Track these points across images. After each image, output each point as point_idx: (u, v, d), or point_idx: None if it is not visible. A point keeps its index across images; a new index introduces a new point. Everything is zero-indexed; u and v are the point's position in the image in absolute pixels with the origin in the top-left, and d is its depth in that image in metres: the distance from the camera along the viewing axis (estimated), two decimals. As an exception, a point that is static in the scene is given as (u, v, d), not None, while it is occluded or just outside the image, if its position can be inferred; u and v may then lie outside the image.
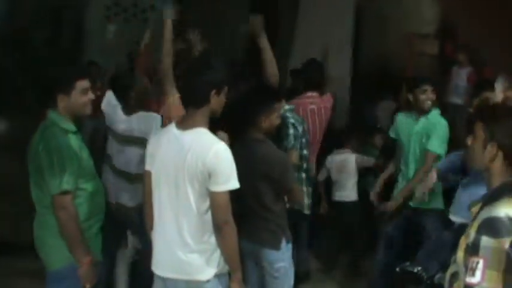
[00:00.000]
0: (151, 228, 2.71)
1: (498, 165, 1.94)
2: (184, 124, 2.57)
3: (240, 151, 2.79)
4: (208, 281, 2.57)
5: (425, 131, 4.00)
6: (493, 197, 1.91)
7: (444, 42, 7.66)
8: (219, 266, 2.60)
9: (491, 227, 1.79)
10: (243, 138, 2.67)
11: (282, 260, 3.22)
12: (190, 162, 2.46)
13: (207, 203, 2.52)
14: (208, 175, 2.46)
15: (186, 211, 2.53)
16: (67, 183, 2.72)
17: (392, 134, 4.36)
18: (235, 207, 2.60)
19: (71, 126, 2.86)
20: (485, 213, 1.84)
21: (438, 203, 4.02)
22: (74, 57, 9.38)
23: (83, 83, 2.86)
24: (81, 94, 2.85)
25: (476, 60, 6.27)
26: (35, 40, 9.37)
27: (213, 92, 2.55)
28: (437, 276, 3.96)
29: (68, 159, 2.74)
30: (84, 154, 2.88)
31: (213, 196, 2.49)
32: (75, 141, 2.85)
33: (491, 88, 3.66)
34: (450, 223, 3.59)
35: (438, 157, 3.93)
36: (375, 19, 8.78)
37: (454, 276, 2.01)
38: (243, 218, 2.85)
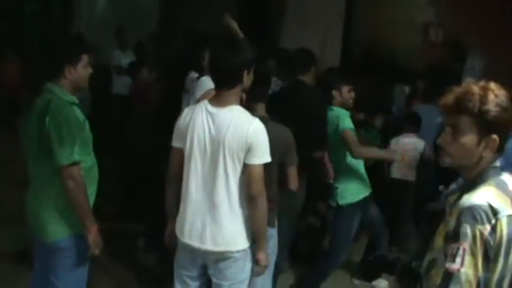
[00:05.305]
0: (170, 206, 2.85)
1: (489, 156, 1.92)
2: (219, 102, 2.68)
3: None
4: (238, 251, 2.73)
5: None
6: (471, 185, 1.92)
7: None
8: (249, 239, 2.76)
9: (472, 214, 1.80)
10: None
11: (273, 236, 3.30)
12: (230, 138, 2.60)
13: (243, 177, 2.66)
14: (248, 149, 2.61)
15: (224, 185, 2.65)
16: (77, 154, 2.76)
17: None
18: None
19: (74, 99, 2.89)
20: (465, 201, 1.86)
21: None
22: (62, 29, 9.21)
23: (86, 57, 2.93)
24: (84, 67, 2.91)
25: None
26: (23, 11, 9.16)
27: (245, 72, 2.70)
28: (414, 263, 4.03)
29: (77, 130, 2.79)
30: (86, 127, 2.92)
31: (250, 169, 2.64)
32: (79, 114, 2.88)
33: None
34: None
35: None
36: (367, 3, 8.73)
37: (432, 263, 2.02)
38: None
